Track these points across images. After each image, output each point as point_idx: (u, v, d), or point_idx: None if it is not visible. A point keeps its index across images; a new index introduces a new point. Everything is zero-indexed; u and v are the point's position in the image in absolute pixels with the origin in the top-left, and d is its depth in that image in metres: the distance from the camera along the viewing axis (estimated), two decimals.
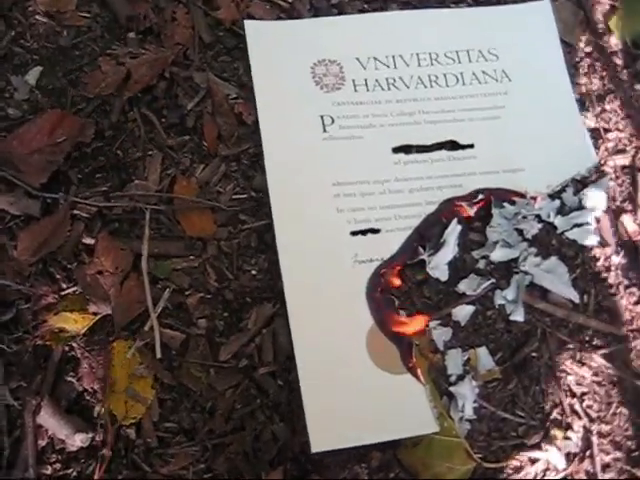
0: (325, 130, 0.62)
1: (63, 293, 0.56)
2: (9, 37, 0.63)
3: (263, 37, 0.64)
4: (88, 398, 0.55)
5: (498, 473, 0.56)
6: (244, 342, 0.57)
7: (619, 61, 0.68)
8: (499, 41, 0.67)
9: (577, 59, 0.68)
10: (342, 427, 0.54)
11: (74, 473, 0.53)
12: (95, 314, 0.56)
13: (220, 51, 0.65)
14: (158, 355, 0.56)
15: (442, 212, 0.61)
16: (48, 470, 0.53)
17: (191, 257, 0.59)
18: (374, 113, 0.63)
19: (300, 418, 0.55)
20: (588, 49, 0.68)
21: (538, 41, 0.67)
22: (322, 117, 0.62)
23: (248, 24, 0.64)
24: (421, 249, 0.60)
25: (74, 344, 0.55)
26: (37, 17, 0.64)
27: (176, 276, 0.58)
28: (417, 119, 0.64)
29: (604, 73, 0.67)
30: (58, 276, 0.57)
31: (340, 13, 0.66)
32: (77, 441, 0.53)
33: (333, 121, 0.63)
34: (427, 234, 0.60)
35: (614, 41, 0.68)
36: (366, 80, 0.64)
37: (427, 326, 0.58)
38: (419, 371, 0.56)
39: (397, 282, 0.59)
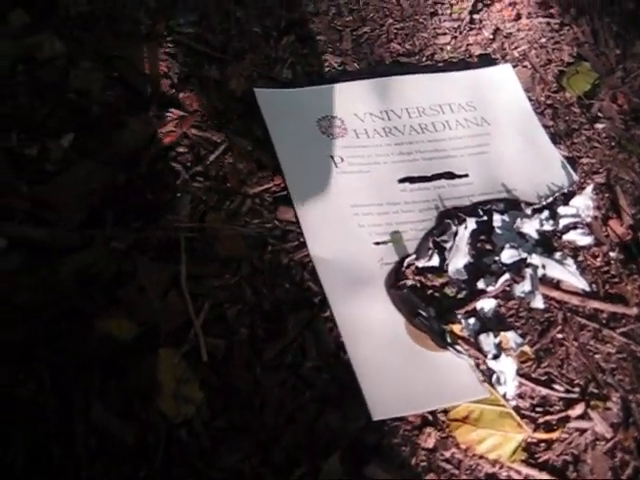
0: (337, 166, 0.69)
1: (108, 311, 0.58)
2: None
3: (272, 102, 0.73)
4: (138, 402, 0.54)
5: (549, 444, 0.56)
6: (286, 343, 0.59)
7: (576, 109, 0.79)
8: (474, 96, 0.77)
9: (542, 108, 0.78)
10: (397, 399, 0.56)
11: (127, 471, 0.51)
12: (141, 325, 0.58)
13: (232, 117, 0.73)
14: (204, 358, 0.57)
15: (448, 217, 0.67)
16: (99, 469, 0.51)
17: (227, 276, 0.62)
18: (377, 154, 0.71)
19: (352, 407, 0.56)
20: (549, 102, 0.79)
21: (507, 94, 0.78)
22: (332, 157, 0.70)
23: (258, 92, 0.74)
24: (436, 255, 0.65)
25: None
26: None
27: (214, 293, 0.61)
28: (415, 157, 0.72)
29: (567, 118, 0.78)
30: (102, 297, 0.59)
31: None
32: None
33: (342, 160, 0.70)
34: (440, 239, 0.66)
35: (568, 95, 0.80)
36: (366, 130, 0.73)
37: (457, 317, 0.62)
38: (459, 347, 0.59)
39: (416, 282, 0.63)
